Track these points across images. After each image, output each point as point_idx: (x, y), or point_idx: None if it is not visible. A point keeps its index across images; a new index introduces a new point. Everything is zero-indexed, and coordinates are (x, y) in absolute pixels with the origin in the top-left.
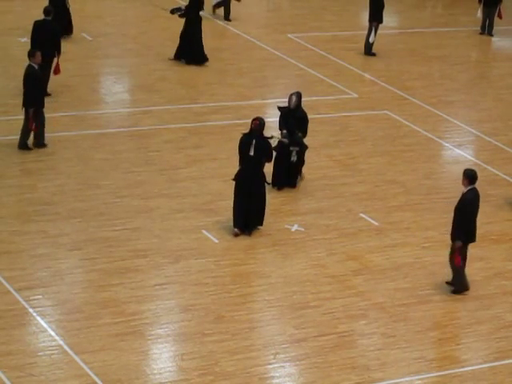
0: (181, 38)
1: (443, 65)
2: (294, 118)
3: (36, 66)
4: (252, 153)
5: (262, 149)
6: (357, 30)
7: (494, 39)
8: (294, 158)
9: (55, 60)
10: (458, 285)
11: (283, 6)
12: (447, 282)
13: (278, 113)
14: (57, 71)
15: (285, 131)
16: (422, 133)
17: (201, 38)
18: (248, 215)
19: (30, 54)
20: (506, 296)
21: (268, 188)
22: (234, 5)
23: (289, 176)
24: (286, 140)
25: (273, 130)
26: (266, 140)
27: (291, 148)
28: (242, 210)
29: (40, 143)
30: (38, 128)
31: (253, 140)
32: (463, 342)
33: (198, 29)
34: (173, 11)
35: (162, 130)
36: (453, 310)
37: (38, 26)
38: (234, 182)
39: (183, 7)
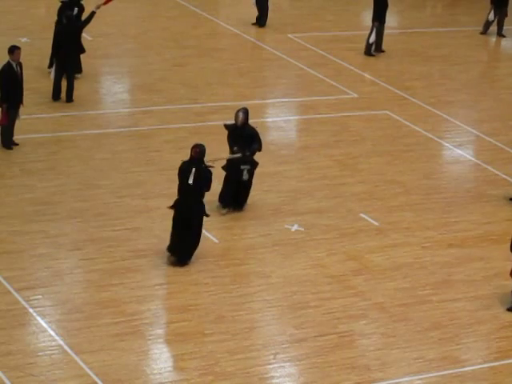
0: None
1: (443, 65)
2: (242, 136)
3: (14, 64)
4: (191, 181)
5: (201, 178)
6: (357, 30)
7: (493, 39)
8: (245, 176)
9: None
10: None
11: (283, 5)
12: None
13: (278, 113)
14: None
15: (235, 148)
16: (422, 133)
17: None
18: (186, 242)
19: (10, 51)
20: (505, 296)
21: (268, 187)
22: (233, 5)
23: (237, 195)
24: (239, 155)
25: (273, 130)
26: (206, 168)
27: (242, 167)
28: (178, 239)
29: (6, 143)
30: (7, 122)
31: (192, 168)
32: (463, 342)
33: None
34: None
35: (162, 130)
36: (453, 310)
37: (60, 32)
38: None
39: None
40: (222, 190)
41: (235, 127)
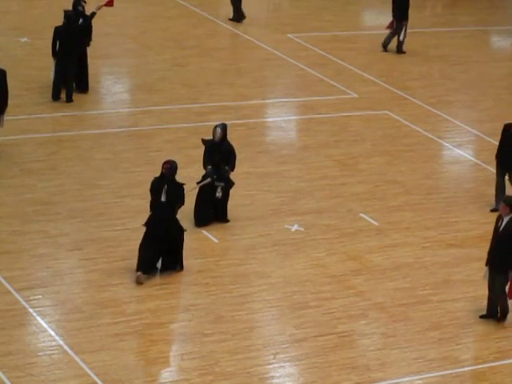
0: None
1: (443, 65)
2: (220, 152)
3: None
4: (163, 198)
5: (174, 194)
6: (357, 30)
7: (493, 39)
8: (219, 194)
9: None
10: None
11: (283, 5)
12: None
13: (278, 113)
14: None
15: (209, 167)
16: (422, 133)
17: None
18: (163, 258)
19: None
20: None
21: (268, 187)
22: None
23: (215, 213)
24: (209, 180)
25: (273, 130)
26: (178, 185)
27: (216, 183)
28: (149, 254)
29: None
30: None
31: (164, 185)
32: (463, 342)
33: None
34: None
35: (162, 130)
36: (453, 310)
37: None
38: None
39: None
40: (195, 208)
41: (212, 143)
